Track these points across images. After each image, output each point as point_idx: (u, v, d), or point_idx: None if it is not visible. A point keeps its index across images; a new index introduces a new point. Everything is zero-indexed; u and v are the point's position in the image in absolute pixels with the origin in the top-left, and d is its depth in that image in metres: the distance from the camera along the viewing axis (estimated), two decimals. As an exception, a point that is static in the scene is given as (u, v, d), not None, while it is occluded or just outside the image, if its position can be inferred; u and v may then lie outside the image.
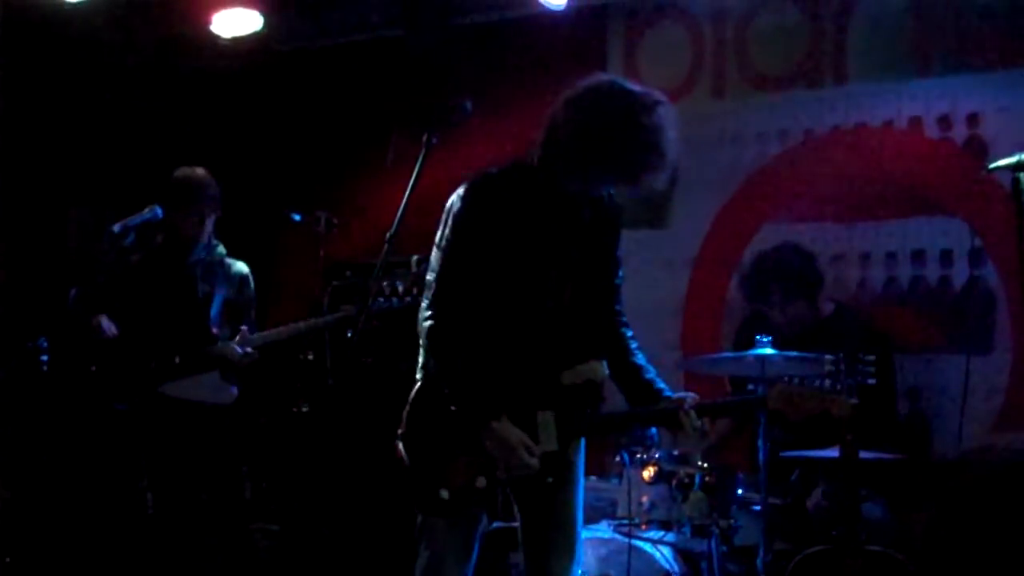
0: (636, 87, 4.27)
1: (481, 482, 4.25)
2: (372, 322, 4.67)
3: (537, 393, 4.29)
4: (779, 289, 6.26)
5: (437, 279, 4.28)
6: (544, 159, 4.26)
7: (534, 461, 4.20)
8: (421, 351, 4.38)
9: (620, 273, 4.55)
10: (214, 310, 6.39)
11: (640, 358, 4.49)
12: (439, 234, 4.36)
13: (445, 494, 4.26)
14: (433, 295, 4.28)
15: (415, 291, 6.23)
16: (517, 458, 4.18)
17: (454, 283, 4.25)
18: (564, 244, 4.34)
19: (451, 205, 4.35)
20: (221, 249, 6.56)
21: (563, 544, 4.44)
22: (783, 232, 6.88)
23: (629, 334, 4.54)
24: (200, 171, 6.47)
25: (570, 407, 4.30)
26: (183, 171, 6.48)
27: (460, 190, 4.36)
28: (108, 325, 6.24)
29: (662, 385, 4.42)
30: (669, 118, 4.21)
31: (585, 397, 4.32)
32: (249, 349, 6.22)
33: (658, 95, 4.25)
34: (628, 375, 4.46)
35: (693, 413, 4.27)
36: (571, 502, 4.45)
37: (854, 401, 4.44)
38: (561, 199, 4.29)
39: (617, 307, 4.54)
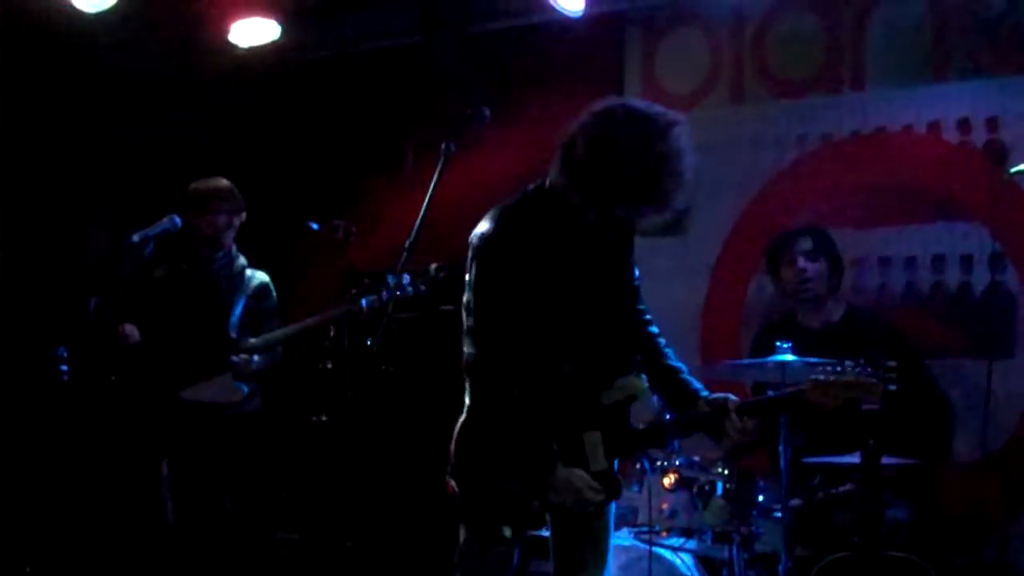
0: (649, 110, 4.19)
1: (535, 505, 4.26)
2: (388, 317, 4.65)
3: (581, 414, 4.31)
4: (810, 239, 6.27)
5: (480, 322, 4.23)
6: (562, 186, 4.19)
7: (601, 497, 4.24)
8: (466, 389, 4.36)
9: (636, 274, 4.55)
10: (234, 319, 6.41)
11: (672, 358, 4.51)
12: (468, 275, 4.30)
13: (508, 532, 4.28)
14: (479, 340, 4.23)
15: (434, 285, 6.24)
16: (587, 501, 4.21)
17: (514, 330, 4.21)
18: (592, 266, 4.35)
19: (477, 242, 4.27)
20: (242, 260, 6.59)
21: (594, 558, 4.48)
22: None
23: (656, 331, 4.56)
24: (220, 178, 6.52)
25: (614, 425, 4.32)
26: (203, 180, 6.53)
27: (484, 226, 4.28)
28: (132, 331, 6.29)
29: (698, 385, 4.43)
30: (685, 138, 4.13)
31: (628, 413, 4.36)
32: (244, 356, 6.26)
33: (672, 116, 4.18)
34: (663, 378, 4.46)
35: (735, 415, 4.28)
36: (604, 516, 4.47)
37: (891, 387, 4.46)
38: (583, 223, 4.24)
39: (640, 307, 4.56)
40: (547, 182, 4.29)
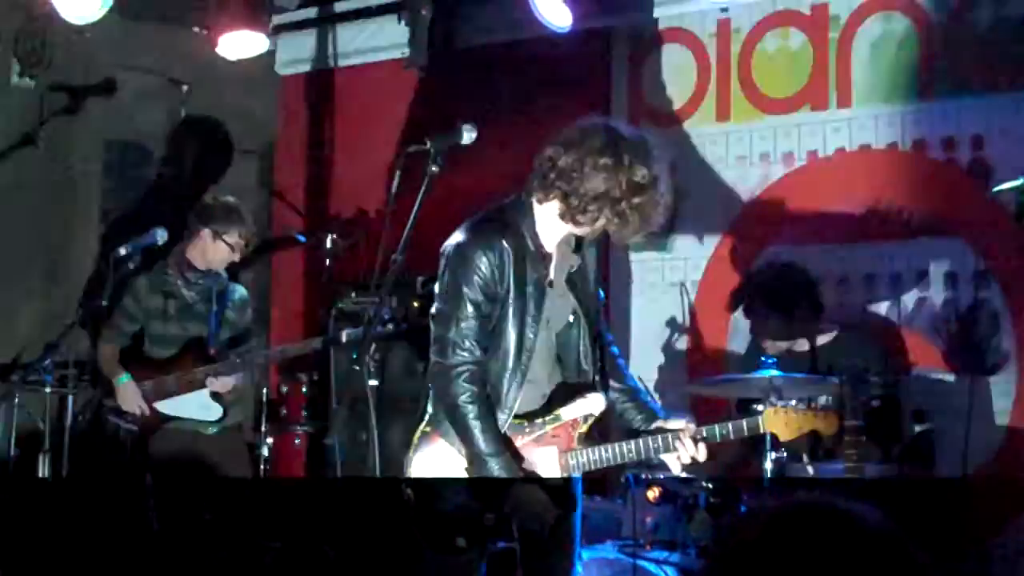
0: (626, 132, 4.28)
1: (489, 519, 4.28)
2: (370, 347, 4.68)
3: (539, 433, 4.34)
4: (762, 305, 6.24)
5: (441, 329, 4.31)
6: (538, 199, 4.30)
7: (555, 512, 4.29)
8: (430, 396, 4.42)
9: (600, 294, 4.62)
10: (214, 334, 6.44)
11: (630, 378, 4.55)
12: (439, 283, 4.39)
13: (463, 542, 4.29)
14: (439, 346, 4.31)
15: (417, 312, 6.28)
16: (542, 519, 4.26)
17: (478, 342, 4.27)
18: (558, 281, 4.40)
19: (448, 251, 4.37)
20: (224, 273, 6.60)
21: (558, 570, 4.49)
22: (786, 254, 6.86)
23: (616, 352, 4.59)
24: (229, 198, 6.58)
25: (571, 442, 4.34)
26: (227, 198, 6.57)
27: (457, 236, 4.38)
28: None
29: (656, 406, 4.48)
30: (662, 161, 4.24)
31: (587, 429, 4.38)
32: (222, 377, 6.30)
33: (647, 136, 4.30)
34: (623, 398, 4.51)
35: (688, 440, 4.29)
36: (569, 529, 4.49)
37: (873, 403, 4.50)
38: (552, 241, 4.35)
39: (607, 332, 4.61)
40: (523, 196, 4.37)
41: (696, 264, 7.33)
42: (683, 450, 4.30)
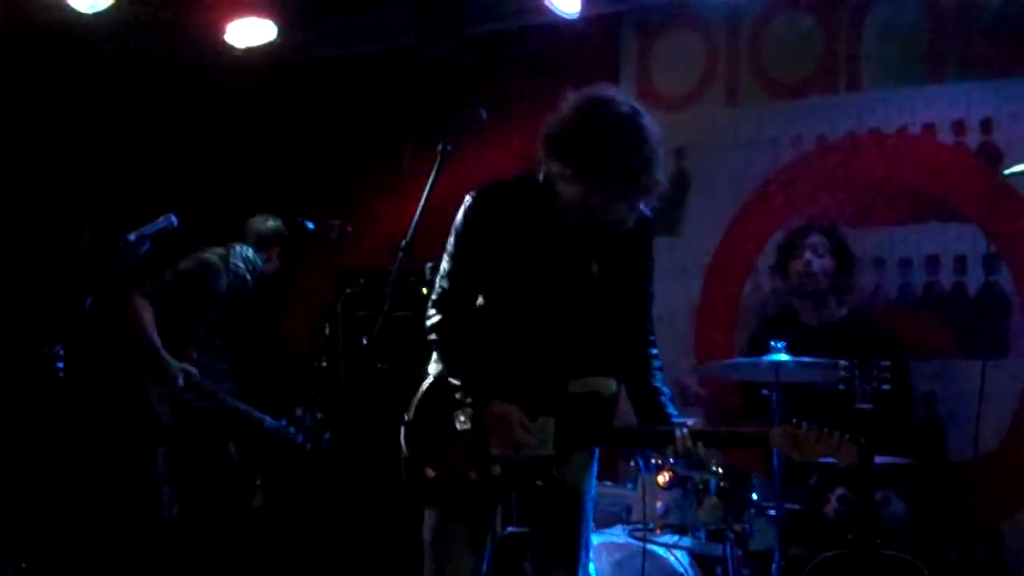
0: (626, 101, 4.28)
1: (474, 475, 4.30)
2: (384, 315, 4.70)
3: (541, 399, 4.32)
4: (821, 235, 6.32)
5: (440, 281, 4.44)
6: (551, 173, 4.28)
7: (530, 439, 4.24)
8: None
9: (650, 287, 4.57)
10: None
11: (658, 379, 4.49)
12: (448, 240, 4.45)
13: (431, 472, 4.35)
14: (436, 296, 4.44)
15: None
16: (512, 435, 4.23)
17: (455, 286, 4.39)
18: (577, 257, 4.37)
19: (457, 215, 4.43)
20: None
21: (564, 554, 4.47)
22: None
23: (654, 353, 4.53)
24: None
25: (571, 416, 4.32)
26: (272, 219, 6.92)
27: (467, 198, 4.43)
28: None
29: (672, 410, 4.42)
30: (654, 132, 4.19)
31: (587, 408, 4.34)
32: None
33: (639, 107, 4.25)
34: (642, 395, 4.47)
35: (688, 439, 4.25)
36: (574, 511, 4.47)
37: (884, 387, 4.63)
38: (569, 214, 4.30)
39: (647, 326, 4.55)
40: (540, 175, 4.34)
41: (705, 248, 7.32)
42: (679, 441, 4.25)
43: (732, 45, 7.35)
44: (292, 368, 7.19)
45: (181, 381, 6.40)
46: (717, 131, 7.33)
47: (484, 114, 4.70)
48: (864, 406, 5.01)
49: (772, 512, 5.60)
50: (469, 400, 4.32)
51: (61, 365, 5.83)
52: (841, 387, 5.09)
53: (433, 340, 4.42)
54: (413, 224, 4.56)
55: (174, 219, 6.25)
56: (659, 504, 5.85)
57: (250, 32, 7.48)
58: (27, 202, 7.65)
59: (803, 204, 7.02)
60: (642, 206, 4.31)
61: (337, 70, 8.52)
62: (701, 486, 5.73)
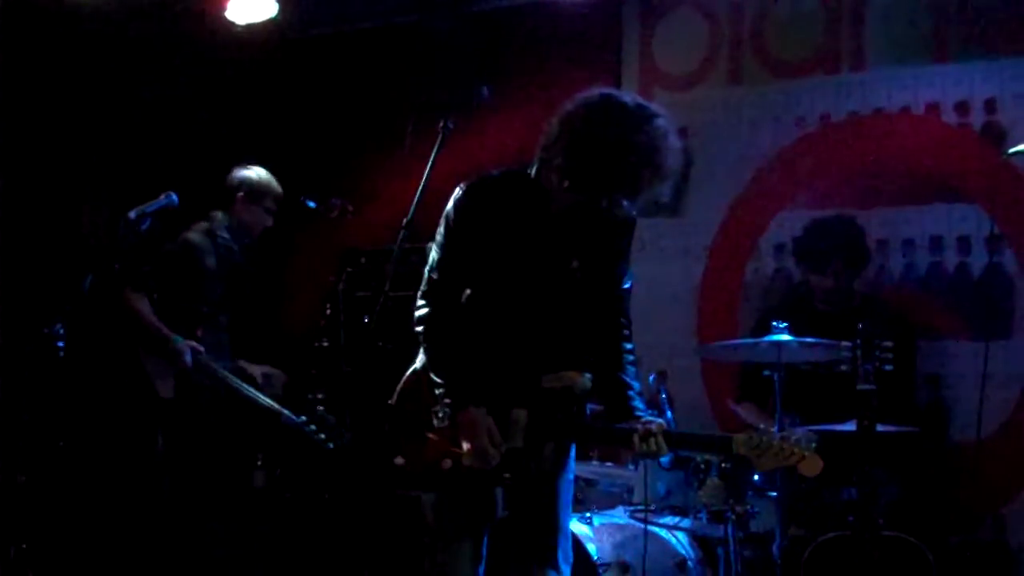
0: (631, 101, 4.22)
1: (447, 463, 4.35)
2: (385, 295, 4.71)
3: (515, 392, 4.36)
4: (840, 257, 6.28)
5: (429, 272, 4.43)
6: (541, 172, 4.29)
7: (494, 452, 4.27)
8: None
9: (627, 283, 4.54)
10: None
11: (629, 374, 4.50)
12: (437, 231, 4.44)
13: (400, 460, 4.43)
14: (425, 287, 4.44)
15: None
16: (480, 445, 4.25)
17: (444, 277, 4.39)
18: (560, 254, 4.38)
19: (448, 205, 4.42)
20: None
21: (538, 542, 4.49)
22: (799, 219, 6.84)
23: (628, 347, 4.53)
24: (263, 169, 6.78)
25: (543, 410, 4.35)
26: (258, 168, 6.70)
27: (457, 190, 4.40)
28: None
29: (639, 405, 4.44)
30: (664, 131, 4.17)
31: (559, 403, 4.37)
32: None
33: (654, 108, 4.21)
34: (611, 389, 4.48)
35: (651, 439, 4.26)
36: (547, 501, 4.50)
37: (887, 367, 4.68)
38: (557, 210, 4.33)
39: (621, 319, 4.54)
40: (532, 169, 4.35)
41: (708, 229, 7.31)
42: (638, 438, 4.28)
43: (735, 24, 7.33)
44: (293, 347, 7.16)
45: (188, 358, 6.37)
46: (720, 111, 7.31)
47: (487, 92, 4.69)
48: (866, 387, 5.01)
49: (773, 493, 5.59)
50: (446, 400, 4.34)
51: (62, 344, 5.82)
52: (844, 368, 5.09)
53: (420, 332, 4.44)
54: (415, 203, 4.55)
55: (175, 197, 6.23)
56: (660, 485, 5.85)
57: (251, 8, 7.45)
58: (27, 182, 7.62)
59: (806, 184, 7.01)
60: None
61: (338, 47, 8.50)
62: (703, 467, 5.73)
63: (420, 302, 4.44)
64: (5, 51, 7.47)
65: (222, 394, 6.50)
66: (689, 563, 5.74)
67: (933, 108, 6.72)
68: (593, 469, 6.31)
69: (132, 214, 6.09)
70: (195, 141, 8.03)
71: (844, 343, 5.08)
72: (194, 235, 6.61)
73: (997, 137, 6.50)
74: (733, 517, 5.62)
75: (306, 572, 7.01)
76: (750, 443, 4.19)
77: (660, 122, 4.16)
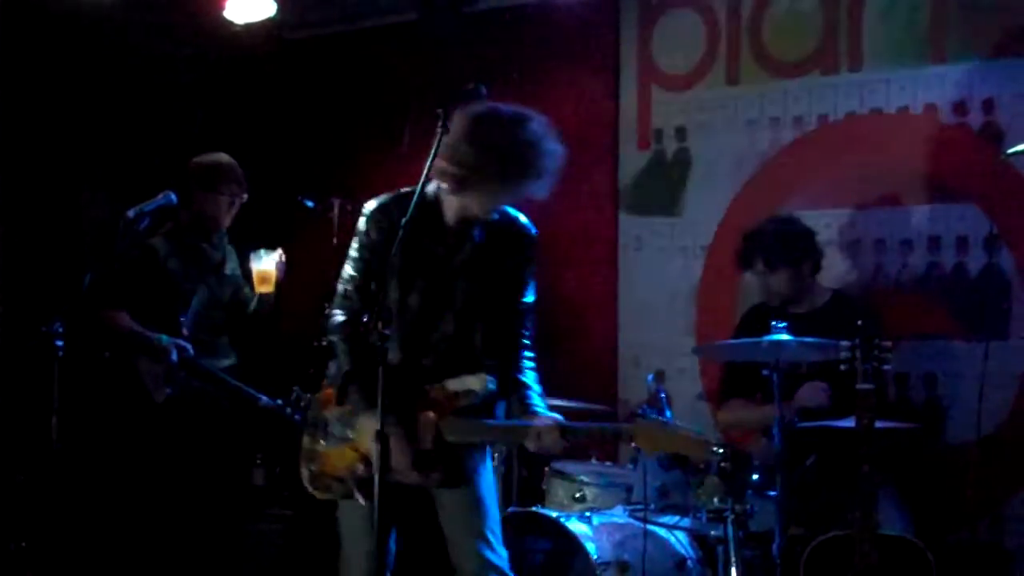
0: (509, 109, 4.59)
1: (360, 470, 4.60)
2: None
3: (420, 397, 4.61)
4: (761, 257, 6.27)
5: (341, 284, 4.78)
6: (439, 182, 4.64)
7: (403, 467, 4.50)
8: None
9: (528, 298, 4.82)
10: (191, 312, 6.49)
11: (528, 377, 4.75)
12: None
13: (314, 467, 4.78)
14: (337, 296, 4.78)
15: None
16: (391, 459, 4.40)
17: (353, 289, 4.72)
18: (449, 266, 4.67)
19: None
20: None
21: (460, 539, 4.74)
22: (804, 217, 6.86)
23: (527, 355, 4.79)
24: (224, 155, 6.55)
25: (448, 411, 4.61)
26: (209, 155, 6.56)
27: (364, 207, 4.79)
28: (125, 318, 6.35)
29: (536, 402, 4.68)
30: (540, 133, 4.54)
31: (466, 406, 4.62)
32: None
33: (529, 113, 4.59)
34: (511, 390, 4.73)
35: (547, 433, 4.49)
36: (462, 500, 4.74)
37: (886, 367, 4.84)
38: (447, 225, 4.70)
39: (522, 331, 4.80)
40: (431, 187, 4.69)
41: (706, 229, 7.31)
42: (532, 432, 4.53)
43: (733, 24, 7.32)
44: (291, 347, 7.15)
45: (175, 356, 6.34)
46: (717, 111, 7.31)
47: (484, 91, 4.69)
48: (865, 386, 5.02)
49: (773, 493, 5.59)
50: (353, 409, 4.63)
51: (60, 343, 5.83)
52: (843, 367, 5.10)
53: (332, 341, 4.75)
54: (413, 202, 4.55)
55: (173, 196, 6.25)
56: (659, 484, 5.85)
57: (249, 8, 7.45)
58: (27, 179, 7.62)
59: (804, 184, 7.01)
60: (521, 218, 4.77)
61: (337, 47, 8.50)
62: (702, 466, 5.73)
63: (334, 311, 4.74)
64: (4, 49, 7.48)
65: (211, 391, 6.48)
66: (688, 562, 5.75)
67: (931, 108, 6.72)
68: (592, 469, 6.32)
69: (131, 213, 6.10)
70: (194, 140, 8.03)
71: (843, 342, 5.09)
72: (156, 239, 6.51)
73: (995, 137, 6.50)
74: (732, 516, 5.62)
75: (307, 571, 7.01)
76: (645, 431, 4.45)
77: (535, 124, 4.55)
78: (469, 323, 4.70)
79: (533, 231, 4.80)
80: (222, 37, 7.76)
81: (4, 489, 6.62)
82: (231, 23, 7.52)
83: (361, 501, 4.57)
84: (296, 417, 6.09)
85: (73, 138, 7.88)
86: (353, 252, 4.75)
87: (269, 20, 7.62)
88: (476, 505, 4.74)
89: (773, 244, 6.25)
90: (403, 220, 4.45)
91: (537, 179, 4.53)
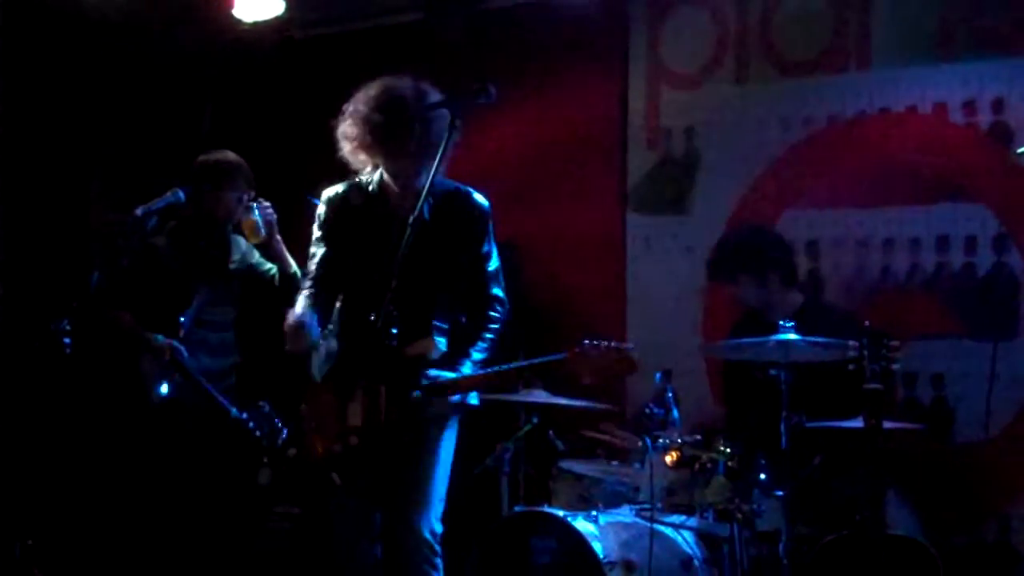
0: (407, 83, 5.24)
1: (338, 447, 4.87)
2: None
3: (377, 367, 4.79)
4: (724, 269, 6.31)
5: (307, 266, 5.25)
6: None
7: (352, 439, 4.83)
8: None
9: (491, 264, 5.15)
10: (191, 311, 6.46)
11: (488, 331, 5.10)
12: None
13: (292, 451, 5.34)
14: (304, 278, 5.26)
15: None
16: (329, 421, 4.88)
17: (315, 270, 5.19)
18: (394, 238, 4.79)
19: None
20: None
21: (398, 500, 4.96)
22: (805, 218, 6.86)
23: (492, 315, 5.13)
24: (231, 153, 6.53)
25: (401, 377, 4.82)
26: (216, 153, 6.53)
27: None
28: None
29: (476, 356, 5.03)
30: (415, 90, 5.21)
31: (414, 369, 4.89)
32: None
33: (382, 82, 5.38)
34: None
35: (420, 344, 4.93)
36: (412, 466, 4.99)
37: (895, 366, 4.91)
38: (389, 201, 5.11)
39: (489, 292, 5.15)
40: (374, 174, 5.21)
41: (714, 228, 7.29)
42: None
43: (742, 23, 7.31)
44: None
45: (167, 357, 6.32)
46: (727, 110, 7.30)
47: (494, 91, 4.68)
48: (873, 386, 5.00)
49: (780, 492, 5.58)
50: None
51: (68, 340, 5.82)
52: (851, 367, 5.08)
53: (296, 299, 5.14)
54: (421, 201, 4.54)
55: (181, 194, 6.24)
56: (666, 484, 5.85)
57: (258, 6, 7.45)
58: (35, 178, 7.63)
59: (813, 184, 7.00)
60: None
61: (344, 45, 8.49)
62: (709, 465, 5.72)
63: (300, 292, 5.16)
64: (10, 49, 7.48)
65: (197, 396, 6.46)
66: (695, 562, 5.73)
67: (940, 107, 6.71)
68: (599, 468, 6.31)
69: (139, 211, 6.10)
70: (202, 138, 8.04)
71: (851, 342, 5.08)
72: (158, 237, 6.49)
73: (1004, 137, 6.49)
74: (739, 516, 5.61)
75: (316, 569, 7.01)
76: (580, 355, 4.70)
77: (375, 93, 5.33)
78: (417, 295, 4.89)
79: (483, 205, 5.13)
80: (231, 35, 7.76)
81: (12, 487, 6.62)
82: (240, 21, 7.52)
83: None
84: (257, 433, 6.08)
85: (81, 136, 7.89)
86: (314, 238, 5.25)
87: (277, 18, 7.61)
88: (417, 476, 4.99)
89: (734, 255, 6.24)
90: (348, 206, 5.10)
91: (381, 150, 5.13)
